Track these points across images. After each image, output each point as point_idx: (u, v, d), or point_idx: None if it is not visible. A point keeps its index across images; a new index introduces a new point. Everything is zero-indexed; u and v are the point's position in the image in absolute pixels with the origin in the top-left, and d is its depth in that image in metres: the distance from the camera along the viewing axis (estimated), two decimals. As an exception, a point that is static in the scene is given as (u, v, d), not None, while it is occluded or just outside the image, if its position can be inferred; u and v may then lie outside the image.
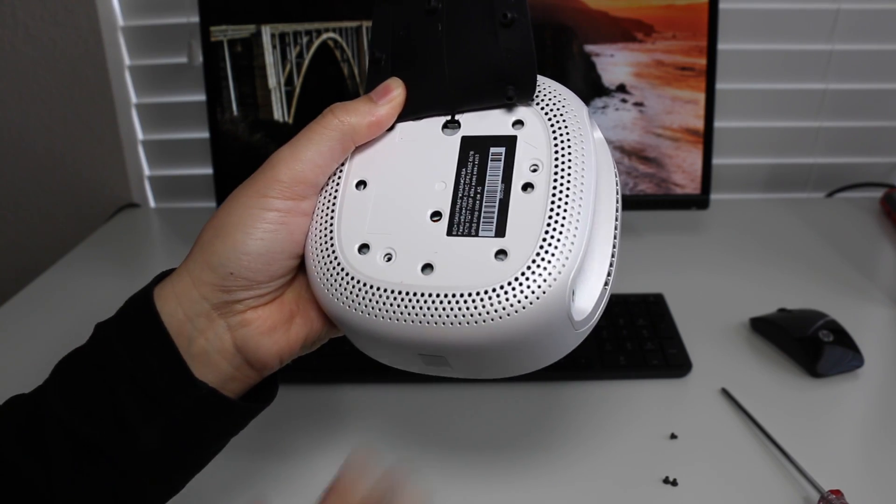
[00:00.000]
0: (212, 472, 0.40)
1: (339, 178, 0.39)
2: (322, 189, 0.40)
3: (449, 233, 0.34)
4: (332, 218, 0.38)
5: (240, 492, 0.54)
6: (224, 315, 0.37)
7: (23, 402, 0.37)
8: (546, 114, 0.36)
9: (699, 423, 0.60)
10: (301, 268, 0.39)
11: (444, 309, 0.32)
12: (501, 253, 0.33)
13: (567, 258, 0.32)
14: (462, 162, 0.36)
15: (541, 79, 0.38)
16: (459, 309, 0.32)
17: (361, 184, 0.39)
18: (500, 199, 0.34)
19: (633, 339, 0.69)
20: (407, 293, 0.33)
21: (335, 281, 0.36)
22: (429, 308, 0.33)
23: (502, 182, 0.35)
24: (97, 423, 0.35)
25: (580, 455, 0.57)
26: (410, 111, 0.39)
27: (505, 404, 0.63)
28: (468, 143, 0.37)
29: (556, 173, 0.34)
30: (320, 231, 0.38)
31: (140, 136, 1.06)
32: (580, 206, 0.33)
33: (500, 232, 0.33)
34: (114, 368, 0.36)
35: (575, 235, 0.32)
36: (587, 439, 0.59)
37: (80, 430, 0.35)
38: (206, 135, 0.85)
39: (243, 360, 0.38)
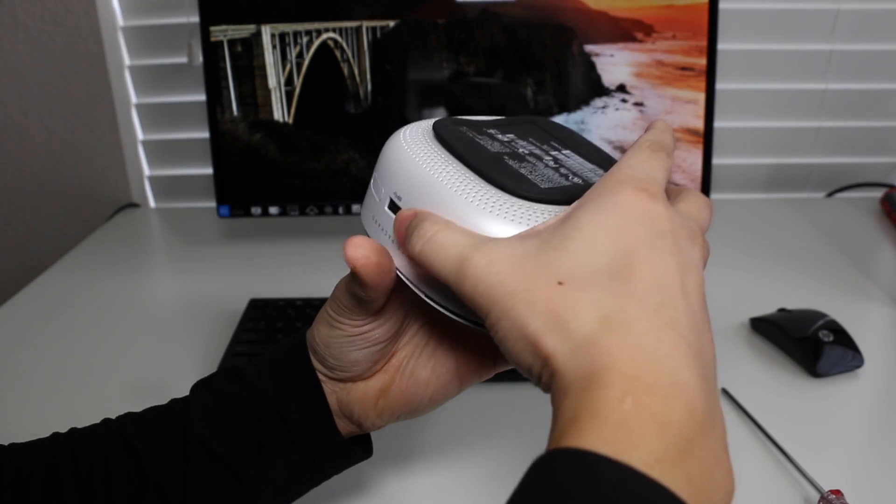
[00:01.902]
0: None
1: None
2: None
3: None
4: None
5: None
6: (328, 379, 0.41)
7: (166, 415, 0.41)
8: None
9: (699, 423, 0.60)
10: (399, 349, 0.41)
11: None
12: None
13: None
14: None
15: None
16: None
17: None
18: None
19: (633, 339, 0.69)
20: None
21: None
22: None
23: None
24: (240, 449, 0.39)
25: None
26: None
27: (505, 404, 0.63)
28: None
29: None
30: None
31: (140, 136, 1.06)
32: None
33: None
34: (265, 404, 0.40)
35: None
36: (587, 439, 0.59)
37: (222, 452, 0.39)
38: (206, 135, 0.85)
39: (345, 416, 0.41)
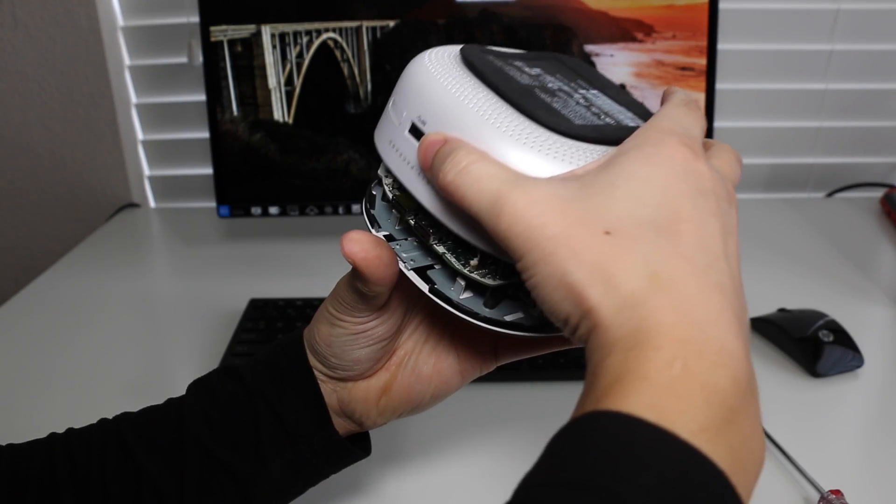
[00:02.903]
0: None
1: None
2: None
3: None
4: None
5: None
6: (329, 378, 0.40)
7: (162, 415, 0.41)
8: None
9: (699, 423, 0.60)
10: (400, 346, 0.41)
11: None
12: None
13: None
14: None
15: None
16: None
17: None
18: None
19: (633, 339, 0.69)
20: None
21: None
22: None
23: None
24: (237, 449, 0.39)
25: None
26: None
27: (505, 404, 0.63)
28: None
29: None
30: None
31: (140, 136, 1.06)
32: None
33: None
34: (261, 404, 0.40)
35: None
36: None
37: (219, 453, 0.39)
38: (206, 135, 0.85)
39: (346, 415, 0.41)
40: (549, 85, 0.34)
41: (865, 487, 0.53)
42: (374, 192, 0.38)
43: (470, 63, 0.33)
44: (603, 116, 0.32)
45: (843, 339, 0.67)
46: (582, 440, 0.22)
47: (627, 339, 0.23)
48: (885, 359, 0.68)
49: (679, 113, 0.30)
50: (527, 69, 0.35)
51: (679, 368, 0.22)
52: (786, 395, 0.63)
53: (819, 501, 0.51)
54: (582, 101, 0.33)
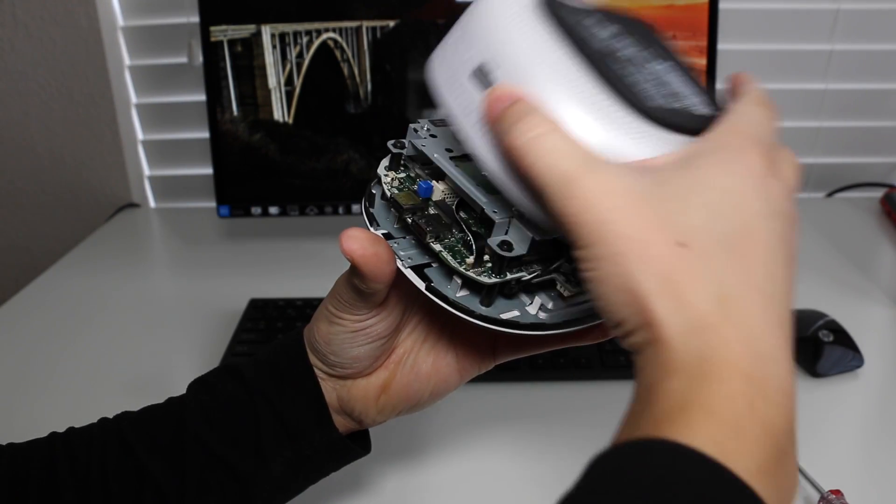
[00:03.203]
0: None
1: None
2: None
3: None
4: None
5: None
6: (328, 376, 0.40)
7: (163, 414, 0.41)
8: None
9: (699, 423, 0.60)
10: (399, 344, 0.41)
11: None
12: None
13: None
14: None
15: None
16: None
17: None
18: None
19: (633, 339, 0.69)
20: None
21: None
22: None
23: None
24: (238, 448, 0.39)
25: (581, 454, 0.57)
26: None
27: (505, 404, 0.63)
28: None
29: None
30: None
31: (140, 136, 1.06)
32: None
33: None
34: (262, 402, 0.40)
35: None
36: (588, 439, 0.59)
37: (220, 451, 0.39)
38: (206, 135, 0.85)
39: (345, 412, 0.41)
40: (625, 52, 0.30)
41: (865, 487, 0.53)
42: (373, 191, 0.39)
43: (552, 11, 0.29)
44: (674, 99, 0.29)
45: (843, 339, 0.67)
46: (643, 465, 0.22)
47: (693, 366, 0.23)
48: (885, 359, 0.68)
49: (759, 115, 0.28)
50: (605, 29, 0.31)
51: (743, 405, 0.22)
52: (786, 395, 0.63)
53: (819, 501, 0.51)
54: (652, 77, 0.30)
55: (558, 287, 0.35)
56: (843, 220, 0.97)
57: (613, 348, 0.68)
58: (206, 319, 0.77)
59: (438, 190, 0.37)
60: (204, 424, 0.40)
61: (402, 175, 0.38)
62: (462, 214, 0.36)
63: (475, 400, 0.63)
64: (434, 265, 0.35)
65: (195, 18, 0.83)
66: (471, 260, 0.33)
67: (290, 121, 0.83)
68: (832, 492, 0.51)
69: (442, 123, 0.39)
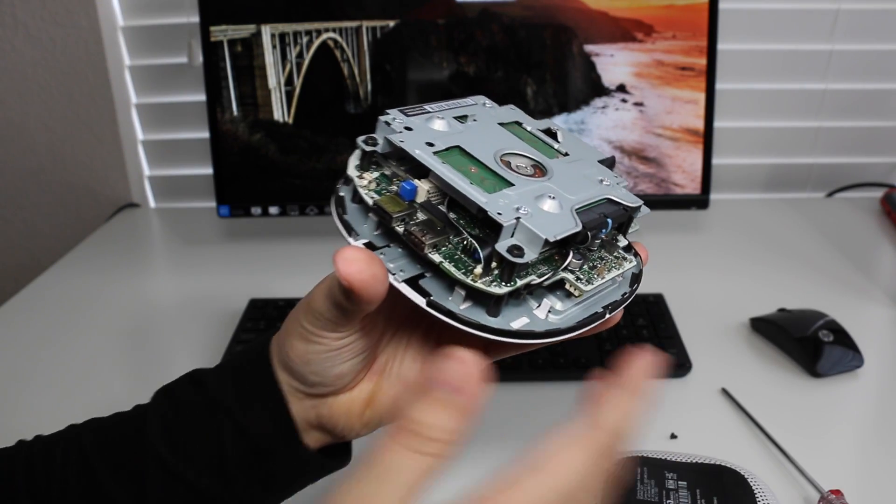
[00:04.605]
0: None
1: None
2: None
3: None
4: None
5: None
6: (307, 396, 0.37)
7: (126, 425, 0.39)
8: None
9: (699, 423, 0.60)
10: (381, 352, 0.39)
11: None
12: None
13: None
14: None
15: None
16: None
17: None
18: None
19: (633, 339, 0.69)
20: None
21: None
22: None
23: None
24: (200, 465, 0.37)
25: (580, 455, 0.57)
26: None
27: (505, 404, 0.63)
28: None
29: None
30: None
31: (140, 136, 1.06)
32: None
33: None
34: (224, 419, 0.37)
35: None
36: (587, 439, 0.59)
37: (181, 469, 0.37)
38: (206, 135, 0.85)
39: (326, 430, 0.38)
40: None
41: (865, 487, 0.53)
42: (341, 195, 0.35)
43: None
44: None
45: (843, 339, 0.67)
46: None
47: None
48: (885, 359, 0.68)
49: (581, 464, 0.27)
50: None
51: None
52: (786, 395, 0.63)
53: (819, 501, 0.51)
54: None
55: (568, 287, 0.33)
56: (843, 220, 0.97)
57: (613, 348, 0.68)
58: (206, 319, 0.77)
59: (423, 190, 0.33)
60: (165, 440, 0.37)
61: (376, 174, 0.35)
62: (452, 215, 0.33)
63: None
64: (428, 275, 0.32)
65: (195, 18, 0.83)
66: (479, 270, 0.30)
67: (290, 121, 0.83)
68: (832, 492, 0.51)
69: (416, 112, 0.36)
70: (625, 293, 0.35)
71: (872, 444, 0.58)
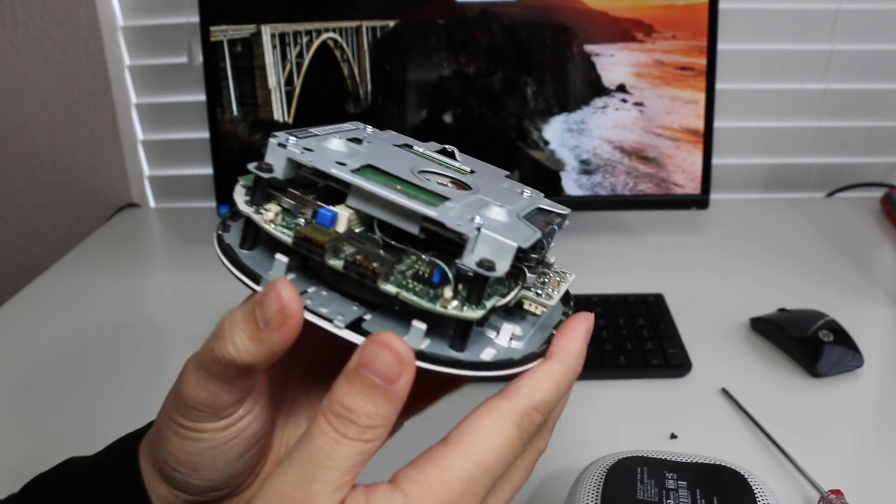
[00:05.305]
0: None
1: None
2: None
3: None
4: None
5: None
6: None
7: None
8: None
9: (699, 423, 0.60)
10: (276, 433, 0.33)
11: None
12: None
13: None
14: None
15: None
16: None
17: None
18: None
19: (633, 339, 0.69)
20: None
21: None
22: None
23: None
24: None
25: (580, 454, 0.57)
26: None
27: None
28: None
29: None
30: None
31: (140, 136, 1.06)
32: None
33: None
34: None
35: None
36: (587, 439, 0.59)
37: None
38: (206, 135, 0.85)
39: None
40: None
41: (865, 487, 0.53)
42: (227, 242, 0.30)
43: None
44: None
45: (843, 339, 0.67)
46: None
47: None
48: (885, 359, 0.68)
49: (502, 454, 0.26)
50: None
51: None
52: (786, 395, 0.63)
53: (819, 501, 0.51)
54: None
55: (527, 306, 0.30)
56: (843, 220, 0.97)
57: (613, 348, 0.68)
58: (206, 319, 0.77)
59: (343, 217, 0.28)
60: None
61: (275, 208, 0.29)
62: (383, 238, 0.28)
63: (470, 402, 0.63)
64: (368, 317, 0.27)
65: (195, 18, 0.83)
66: (448, 293, 0.26)
67: (290, 121, 0.83)
68: (832, 492, 0.51)
69: (305, 135, 0.31)
70: (565, 311, 0.32)
71: (872, 444, 0.58)
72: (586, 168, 0.85)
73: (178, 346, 0.74)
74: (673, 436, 0.59)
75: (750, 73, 1.01)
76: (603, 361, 0.66)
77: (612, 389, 0.64)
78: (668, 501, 0.41)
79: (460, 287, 0.26)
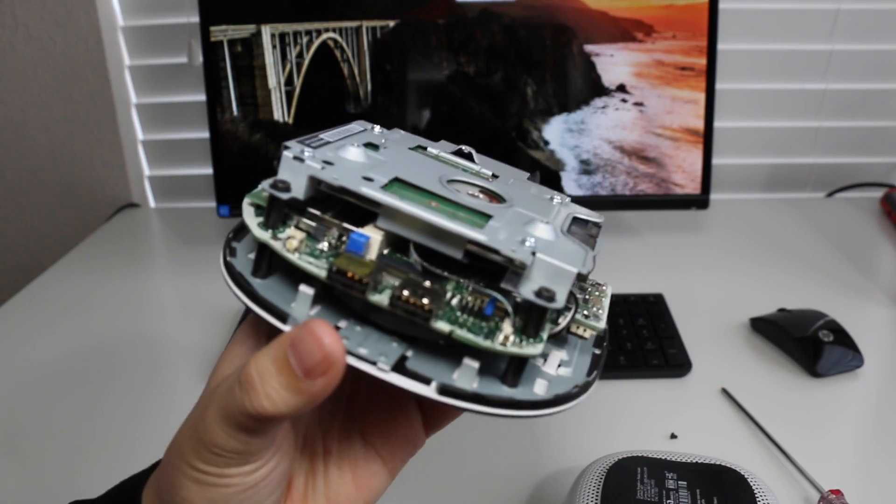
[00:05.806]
0: None
1: None
2: None
3: None
4: None
5: None
6: None
7: None
8: None
9: (699, 423, 0.60)
10: (295, 473, 0.31)
11: None
12: None
13: None
14: None
15: None
16: None
17: None
18: None
19: (633, 339, 0.69)
20: None
21: None
22: None
23: None
24: None
25: (580, 454, 0.57)
26: None
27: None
28: None
29: None
30: None
31: (140, 136, 1.06)
32: None
33: None
34: None
35: None
36: (587, 439, 0.59)
37: None
38: (206, 135, 0.85)
39: None
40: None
41: (865, 487, 0.53)
42: (239, 270, 0.26)
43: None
44: None
45: (843, 339, 0.67)
46: None
47: None
48: (885, 359, 0.68)
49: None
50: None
51: None
52: (786, 395, 0.63)
53: (819, 501, 0.51)
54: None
55: (576, 329, 0.28)
56: (843, 220, 0.97)
57: (613, 348, 0.68)
58: (206, 319, 0.77)
59: (376, 242, 0.25)
60: None
61: (297, 234, 0.26)
62: (434, 268, 0.26)
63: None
64: (410, 353, 0.25)
65: (195, 18, 0.83)
66: (508, 329, 0.24)
67: (290, 121, 0.83)
68: (832, 492, 0.51)
69: (318, 143, 0.29)
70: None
71: (872, 444, 0.58)
72: (586, 168, 0.85)
73: (178, 346, 0.74)
74: (673, 436, 0.59)
75: (750, 73, 1.01)
76: (605, 363, 0.66)
77: (612, 389, 0.64)
78: (668, 501, 0.41)
79: (516, 318, 0.24)
